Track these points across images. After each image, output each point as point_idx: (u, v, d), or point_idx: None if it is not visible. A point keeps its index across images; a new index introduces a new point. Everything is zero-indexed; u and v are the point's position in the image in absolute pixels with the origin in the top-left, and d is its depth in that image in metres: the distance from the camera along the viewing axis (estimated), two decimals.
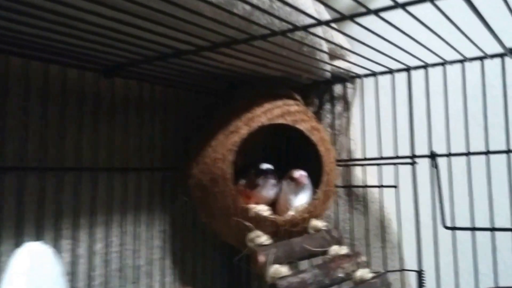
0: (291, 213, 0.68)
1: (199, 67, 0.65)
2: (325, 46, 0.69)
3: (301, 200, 0.69)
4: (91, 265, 0.66)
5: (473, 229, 0.65)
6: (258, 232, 0.65)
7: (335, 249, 0.65)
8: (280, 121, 0.68)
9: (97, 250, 0.68)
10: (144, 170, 0.72)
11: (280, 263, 0.60)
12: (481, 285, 0.66)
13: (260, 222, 0.66)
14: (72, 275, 0.63)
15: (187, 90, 0.81)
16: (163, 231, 0.78)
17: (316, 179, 0.71)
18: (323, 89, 0.82)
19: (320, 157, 0.70)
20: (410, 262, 0.84)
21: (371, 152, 0.79)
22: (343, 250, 0.65)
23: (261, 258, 0.60)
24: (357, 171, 0.85)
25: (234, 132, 0.67)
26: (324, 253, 0.65)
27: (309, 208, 0.68)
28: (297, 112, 0.72)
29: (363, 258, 0.63)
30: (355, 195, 0.87)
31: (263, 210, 0.67)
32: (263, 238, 0.64)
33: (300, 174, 0.69)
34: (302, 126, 0.69)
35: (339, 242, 0.66)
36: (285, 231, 0.67)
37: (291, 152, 0.82)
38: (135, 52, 0.58)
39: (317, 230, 0.68)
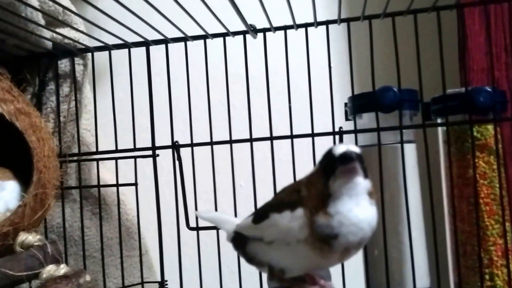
0: None
1: None
2: (35, 2, 0.52)
3: None
4: None
5: (217, 228, 0.59)
6: None
7: (49, 271, 0.49)
8: None
9: None
10: None
11: None
12: None
13: None
14: None
15: None
16: None
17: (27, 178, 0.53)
18: (45, 64, 0.64)
19: (30, 149, 0.52)
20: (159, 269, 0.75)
21: (109, 144, 0.65)
22: (62, 270, 0.50)
23: None
24: (96, 168, 0.70)
25: None
26: (35, 276, 0.49)
27: (12, 218, 0.50)
28: None
29: (87, 278, 0.49)
30: (93, 198, 0.72)
31: None
32: None
33: None
34: (1, 109, 0.50)
35: (57, 260, 0.51)
36: None
37: None
38: None
39: (28, 247, 0.51)
